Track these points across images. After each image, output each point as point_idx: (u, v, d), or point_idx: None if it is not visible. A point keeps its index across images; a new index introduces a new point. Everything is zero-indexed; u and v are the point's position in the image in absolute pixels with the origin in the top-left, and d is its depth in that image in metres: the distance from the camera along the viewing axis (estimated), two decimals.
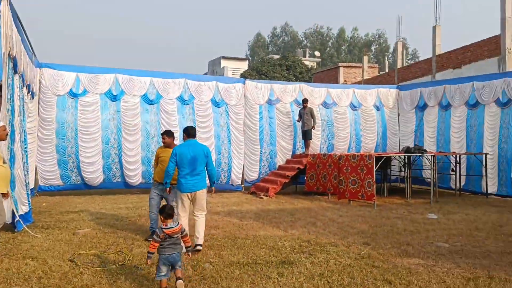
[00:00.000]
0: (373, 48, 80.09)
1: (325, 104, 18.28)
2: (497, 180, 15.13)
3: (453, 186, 16.23)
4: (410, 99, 18.95)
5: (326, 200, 14.83)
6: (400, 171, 17.00)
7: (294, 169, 16.20)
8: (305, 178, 16.25)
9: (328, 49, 78.74)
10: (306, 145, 17.20)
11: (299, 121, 17.09)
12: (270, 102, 17.54)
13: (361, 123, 18.94)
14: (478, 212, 12.09)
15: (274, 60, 47.48)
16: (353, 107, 18.77)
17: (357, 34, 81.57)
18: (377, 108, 19.23)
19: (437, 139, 17.51)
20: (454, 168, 15.87)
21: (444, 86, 17.36)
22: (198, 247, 7.40)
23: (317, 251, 7.59)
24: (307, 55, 60.09)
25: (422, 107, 18.34)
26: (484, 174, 15.28)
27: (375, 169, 13.17)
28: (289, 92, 17.77)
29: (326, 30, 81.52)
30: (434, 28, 24.94)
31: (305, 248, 7.78)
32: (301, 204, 13.67)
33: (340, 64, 34.87)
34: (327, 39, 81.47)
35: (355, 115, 18.85)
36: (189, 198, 7.51)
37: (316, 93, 18.16)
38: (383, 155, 13.66)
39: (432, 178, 14.16)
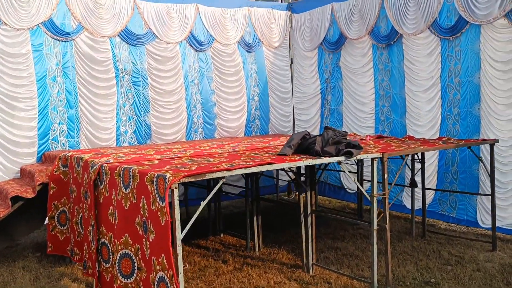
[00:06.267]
0: None
1: (127, 36, 8.04)
2: None
3: (411, 208, 7.26)
4: (311, 28, 9.43)
5: None
6: (290, 189, 7.58)
7: (7, 203, 5.90)
8: (47, 218, 6.11)
9: None
10: None
11: None
12: None
13: (213, 77, 9.08)
14: None
15: None
16: (194, 44, 8.79)
17: None
18: (248, 48, 9.47)
19: (375, 111, 8.28)
20: (413, 177, 6.74)
21: None
22: None
23: None
24: None
25: (335, 43, 8.91)
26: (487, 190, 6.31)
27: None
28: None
29: None
30: None
31: None
32: None
33: None
34: None
35: (201, 63, 8.92)
36: None
37: (100, 8, 7.81)
38: (202, 173, 3.73)
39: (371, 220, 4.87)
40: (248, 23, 9.43)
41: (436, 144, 5.78)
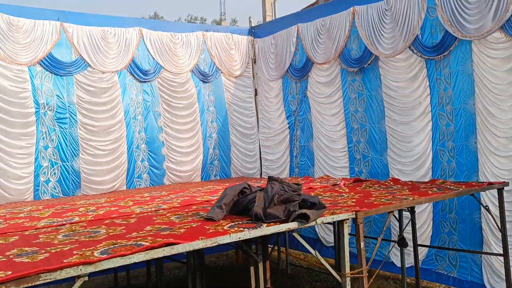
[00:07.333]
0: None
1: (50, 64, 6.66)
2: None
3: (400, 267, 5.86)
4: (276, 53, 8.18)
5: None
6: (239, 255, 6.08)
7: None
8: None
9: None
10: None
11: None
12: None
13: (161, 112, 7.68)
14: None
15: None
16: (137, 73, 7.44)
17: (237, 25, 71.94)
18: (204, 78, 8.15)
19: (349, 148, 6.88)
20: (401, 234, 5.27)
21: (352, 9, 6.77)
22: None
23: None
24: None
25: (302, 69, 7.64)
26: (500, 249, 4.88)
27: None
28: None
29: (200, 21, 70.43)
30: None
31: None
32: None
33: None
34: None
35: (146, 95, 7.55)
36: None
37: (16, 31, 6.44)
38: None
39: None
40: (203, 49, 8.15)
41: (430, 192, 4.38)
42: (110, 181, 6.99)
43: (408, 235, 5.58)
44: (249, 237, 2.86)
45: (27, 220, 3.96)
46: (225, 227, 2.99)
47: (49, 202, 5.55)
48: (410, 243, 5.56)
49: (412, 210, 5.16)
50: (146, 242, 2.64)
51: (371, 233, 6.61)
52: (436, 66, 5.95)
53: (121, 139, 7.16)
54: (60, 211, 4.39)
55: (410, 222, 5.36)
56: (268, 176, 3.39)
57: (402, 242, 5.08)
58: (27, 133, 6.41)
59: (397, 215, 5.42)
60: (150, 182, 7.43)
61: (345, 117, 6.88)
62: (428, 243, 6.00)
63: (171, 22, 8.95)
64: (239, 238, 2.79)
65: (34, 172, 6.42)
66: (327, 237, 7.39)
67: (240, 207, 3.34)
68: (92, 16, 7.23)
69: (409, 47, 6.13)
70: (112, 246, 2.59)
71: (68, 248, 2.64)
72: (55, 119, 6.66)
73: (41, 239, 3.04)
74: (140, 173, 7.37)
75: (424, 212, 6.12)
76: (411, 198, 4.09)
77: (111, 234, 3.04)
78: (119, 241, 2.75)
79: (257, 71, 8.66)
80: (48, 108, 6.61)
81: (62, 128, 6.70)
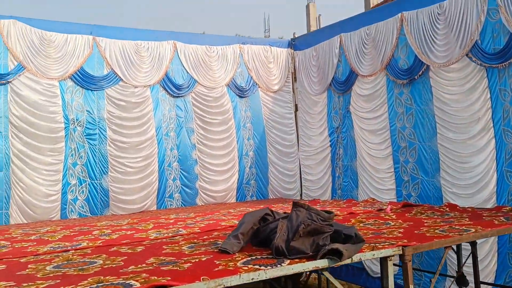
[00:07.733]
0: None
1: (82, 79, 6.49)
2: None
3: None
4: (318, 66, 7.65)
5: None
6: None
7: None
8: None
9: None
10: None
11: None
12: None
13: (195, 129, 7.29)
14: None
15: None
16: (170, 88, 7.15)
17: None
18: (240, 92, 7.75)
19: (395, 168, 6.15)
20: (460, 270, 4.49)
21: (399, 15, 6.15)
22: None
23: None
24: None
25: (345, 83, 7.05)
26: None
27: None
28: None
29: None
30: None
31: None
32: None
33: None
34: None
35: (179, 111, 7.22)
36: None
37: (48, 46, 6.32)
38: None
39: None
40: (240, 63, 7.76)
41: (496, 222, 3.65)
42: (139, 201, 6.66)
43: (468, 268, 4.79)
44: (265, 278, 2.32)
45: (35, 243, 3.62)
46: (238, 263, 2.47)
47: (71, 223, 5.25)
48: (471, 278, 4.78)
49: (473, 242, 4.39)
50: (137, 281, 2.17)
51: (423, 265, 5.83)
52: (499, 75, 5.19)
53: (152, 156, 6.84)
54: (73, 234, 4.03)
55: (470, 255, 4.59)
56: (293, 202, 2.82)
57: (461, 280, 4.31)
58: (55, 149, 6.21)
59: (454, 247, 4.66)
60: (182, 202, 7.03)
61: (391, 134, 6.21)
62: (492, 280, 5.16)
63: (207, 35, 8.67)
64: (252, 279, 2.26)
65: (62, 190, 6.19)
66: (374, 266, 6.63)
67: (261, 236, 2.81)
68: (125, 29, 7.05)
69: (467, 55, 5.42)
70: (95, 285, 2.14)
71: (45, 285, 2.22)
72: (85, 135, 6.43)
73: (28, 270, 2.65)
74: (172, 193, 6.99)
75: (487, 243, 5.29)
76: (473, 230, 3.39)
77: (106, 266, 2.60)
78: (107, 277, 2.30)
79: (298, 85, 8.16)
80: (77, 124, 6.41)
81: (91, 144, 6.46)
